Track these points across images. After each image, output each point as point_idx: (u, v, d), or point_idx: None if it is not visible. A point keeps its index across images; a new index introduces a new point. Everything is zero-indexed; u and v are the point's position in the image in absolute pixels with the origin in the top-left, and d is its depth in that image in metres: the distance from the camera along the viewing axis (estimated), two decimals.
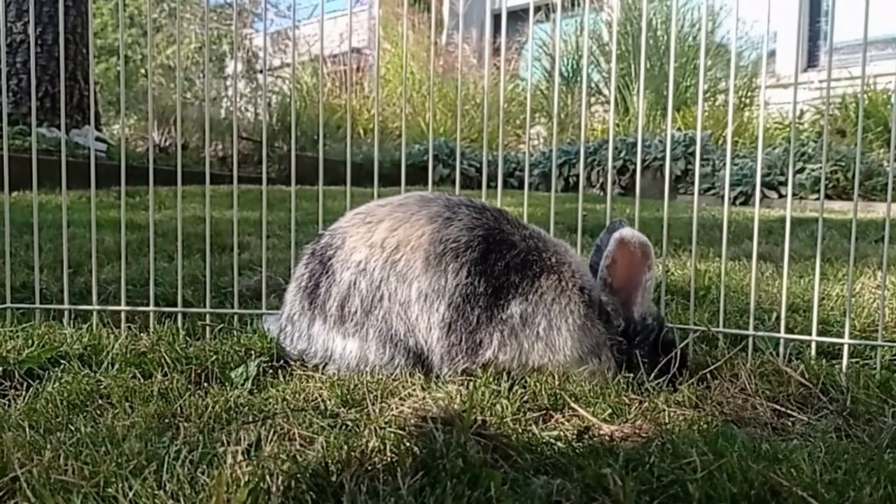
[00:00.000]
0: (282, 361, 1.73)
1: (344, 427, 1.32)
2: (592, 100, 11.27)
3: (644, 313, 1.65)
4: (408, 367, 1.62)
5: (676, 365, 1.63)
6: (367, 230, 1.68)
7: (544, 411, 1.44)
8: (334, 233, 1.75)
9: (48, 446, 1.14)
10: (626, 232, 1.59)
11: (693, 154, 8.11)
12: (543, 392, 1.48)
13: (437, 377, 1.63)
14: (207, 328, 1.98)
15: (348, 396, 1.48)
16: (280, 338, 1.79)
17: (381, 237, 1.65)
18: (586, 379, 1.59)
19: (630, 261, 1.61)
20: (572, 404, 1.45)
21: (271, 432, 1.24)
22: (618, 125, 10.17)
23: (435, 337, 1.60)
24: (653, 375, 1.61)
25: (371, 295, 1.62)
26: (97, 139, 7.32)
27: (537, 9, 11.72)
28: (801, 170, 7.51)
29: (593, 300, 1.64)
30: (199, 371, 1.65)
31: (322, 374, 1.65)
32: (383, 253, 1.63)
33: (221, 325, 2.00)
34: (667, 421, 1.38)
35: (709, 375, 1.65)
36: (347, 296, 1.64)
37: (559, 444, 1.24)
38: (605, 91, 11.29)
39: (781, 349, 1.81)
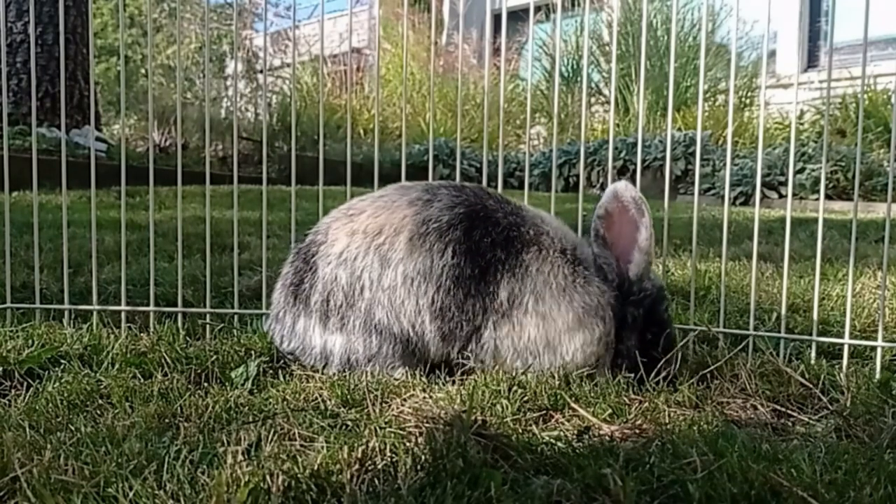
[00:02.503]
0: (282, 361, 1.73)
1: (344, 427, 1.32)
2: (592, 100, 11.27)
3: (641, 275, 1.63)
4: (395, 355, 1.61)
5: (663, 345, 1.62)
6: (348, 220, 1.69)
7: (544, 411, 1.44)
8: (318, 230, 1.75)
9: (48, 446, 1.14)
10: (621, 185, 1.59)
11: (693, 154, 8.11)
12: (543, 392, 1.48)
13: (435, 369, 1.64)
14: (207, 328, 1.98)
15: (348, 396, 1.48)
16: (269, 337, 1.79)
17: (362, 225, 1.65)
18: (595, 350, 1.58)
19: (623, 215, 1.60)
20: (572, 404, 1.45)
21: (271, 432, 1.24)
22: (618, 125, 10.17)
23: (426, 320, 1.59)
24: (640, 353, 1.61)
25: (353, 285, 1.61)
26: (97, 139, 7.32)
27: (537, 9, 11.73)
28: (802, 170, 7.51)
29: (580, 258, 1.64)
30: (199, 371, 1.65)
31: (322, 374, 1.65)
32: (365, 238, 1.63)
33: (221, 325, 2.00)
34: (667, 421, 1.38)
35: (709, 375, 1.65)
36: (331, 290, 1.64)
37: (559, 444, 1.24)
38: (606, 91, 11.30)
39: (781, 349, 1.82)
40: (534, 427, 1.35)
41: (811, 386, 1.58)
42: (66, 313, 2.03)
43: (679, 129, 9.20)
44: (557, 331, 1.59)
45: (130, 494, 1.01)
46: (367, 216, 1.67)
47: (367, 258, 1.61)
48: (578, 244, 1.69)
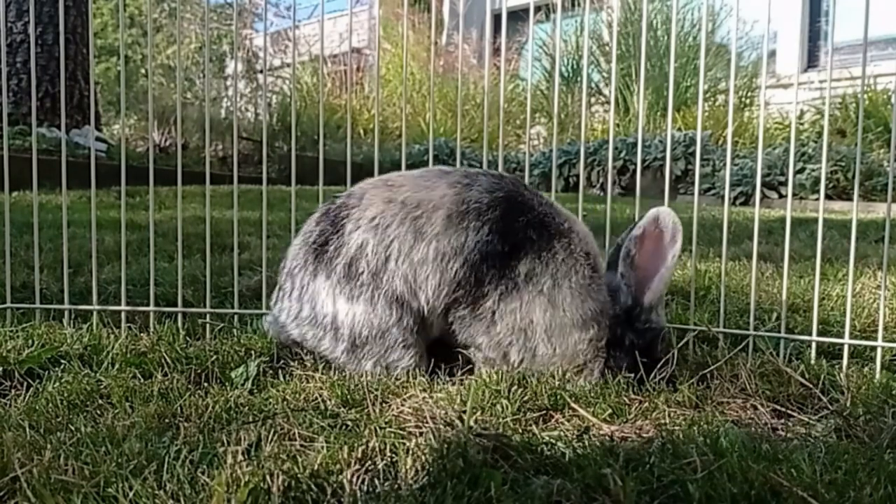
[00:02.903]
0: (282, 361, 1.73)
1: (344, 427, 1.32)
2: (592, 100, 11.27)
3: (654, 304, 1.63)
4: (415, 327, 1.60)
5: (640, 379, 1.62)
6: (386, 189, 1.68)
7: (544, 411, 1.44)
8: (352, 194, 1.72)
9: (48, 446, 1.14)
10: (664, 210, 1.59)
11: (693, 154, 8.11)
12: (543, 392, 1.48)
13: (435, 369, 1.65)
14: (207, 328, 1.98)
15: (348, 396, 1.48)
16: (276, 298, 1.76)
17: (400, 195, 1.65)
18: (584, 349, 1.60)
19: (658, 240, 1.60)
20: (572, 404, 1.45)
21: (271, 432, 1.24)
22: (618, 125, 10.17)
23: (443, 294, 1.60)
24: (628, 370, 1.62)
25: (379, 254, 1.60)
26: (97, 139, 7.32)
27: (537, 9, 11.72)
28: (802, 170, 7.51)
29: (597, 267, 1.66)
30: (199, 371, 1.65)
31: (322, 372, 1.65)
32: (403, 209, 1.62)
33: (221, 325, 2.00)
34: (667, 421, 1.38)
35: (709, 375, 1.65)
36: (357, 256, 1.62)
37: (559, 444, 1.24)
38: (606, 91, 11.29)
39: (781, 349, 1.81)
40: (534, 427, 1.35)
41: (811, 386, 1.58)
42: (66, 313, 2.03)
43: (679, 129, 9.20)
44: (563, 323, 1.59)
45: (130, 494, 1.01)
46: (407, 189, 1.66)
47: (401, 228, 1.60)
48: (598, 254, 1.70)
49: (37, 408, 1.38)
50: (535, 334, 1.60)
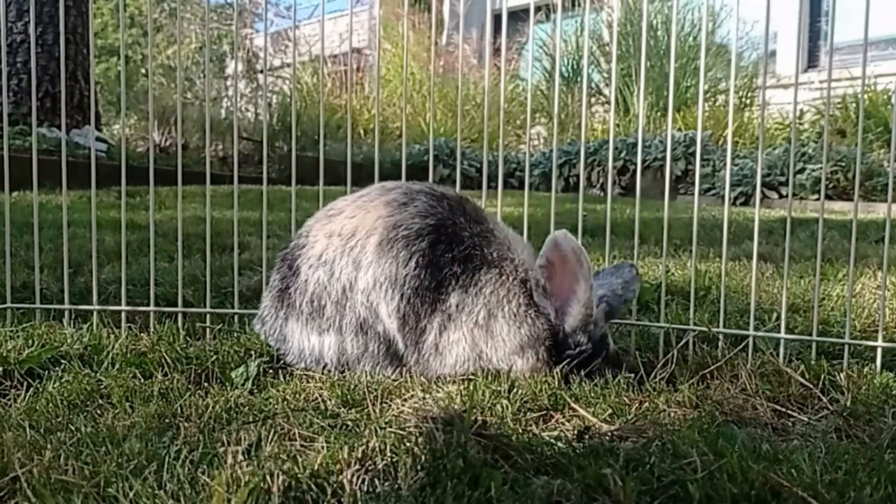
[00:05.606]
0: (282, 361, 1.73)
1: (344, 427, 1.32)
2: (592, 100, 11.27)
3: (577, 328, 1.62)
4: (380, 353, 1.62)
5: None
6: (327, 221, 1.70)
7: (544, 411, 1.44)
8: (300, 234, 1.76)
9: (48, 446, 1.14)
10: (560, 234, 1.58)
11: (693, 154, 8.10)
12: (544, 392, 1.48)
13: (410, 369, 1.65)
14: (207, 328, 1.98)
15: (348, 396, 1.48)
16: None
17: (338, 226, 1.67)
18: (525, 377, 1.58)
19: (564, 265, 1.59)
20: (572, 404, 1.45)
21: (272, 432, 1.24)
22: (618, 125, 10.17)
23: (395, 326, 1.61)
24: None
25: (335, 286, 1.62)
26: (97, 139, 7.32)
27: (537, 9, 11.73)
28: (802, 170, 7.51)
29: (538, 293, 1.64)
30: (199, 371, 1.65)
31: (322, 374, 1.65)
32: (340, 241, 1.64)
33: (221, 326, 2.00)
34: (667, 421, 1.38)
35: (709, 375, 1.65)
36: (315, 291, 1.65)
37: (559, 444, 1.24)
38: (606, 91, 11.29)
39: (782, 349, 1.82)
40: (534, 427, 1.35)
41: (811, 386, 1.58)
42: (66, 313, 2.03)
43: (679, 129, 9.20)
44: (504, 352, 1.60)
45: (130, 494, 1.01)
46: (344, 217, 1.68)
47: (342, 260, 1.62)
48: (540, 280, 1.66)
49: (37, 408, 1.38)
50: (489, 361, 1.61)
